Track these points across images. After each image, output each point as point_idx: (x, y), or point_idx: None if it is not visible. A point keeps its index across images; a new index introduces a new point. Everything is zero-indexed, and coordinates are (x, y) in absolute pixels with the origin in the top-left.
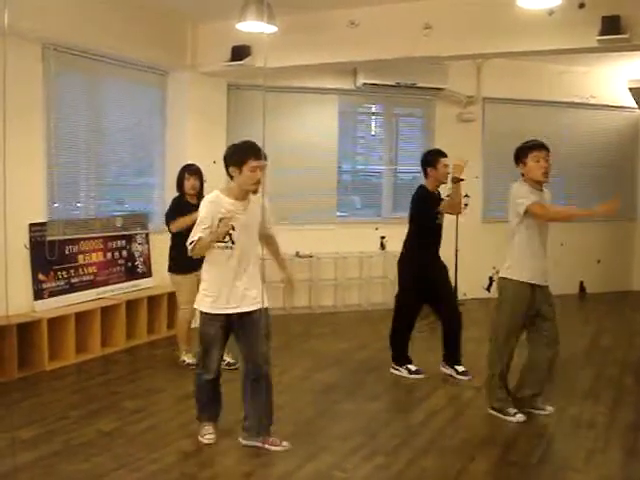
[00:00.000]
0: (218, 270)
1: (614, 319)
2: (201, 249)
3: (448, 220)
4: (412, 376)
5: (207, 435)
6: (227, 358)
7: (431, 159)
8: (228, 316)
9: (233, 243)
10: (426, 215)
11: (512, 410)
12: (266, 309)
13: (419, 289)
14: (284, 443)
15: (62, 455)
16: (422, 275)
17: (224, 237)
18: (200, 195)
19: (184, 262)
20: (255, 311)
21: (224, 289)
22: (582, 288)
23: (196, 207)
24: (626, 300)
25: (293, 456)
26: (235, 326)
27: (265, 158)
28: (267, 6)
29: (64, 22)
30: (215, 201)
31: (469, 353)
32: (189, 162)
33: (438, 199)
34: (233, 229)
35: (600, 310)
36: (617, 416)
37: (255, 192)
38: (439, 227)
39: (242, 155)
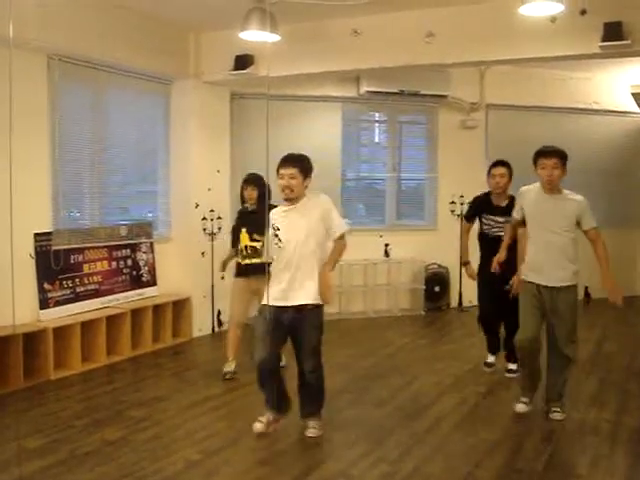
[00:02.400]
0: None
1: (619, 325)
2: None
3: (452, 227)
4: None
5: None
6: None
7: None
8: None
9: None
10: None
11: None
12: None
13: None
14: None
15: (68, 464)
16: None
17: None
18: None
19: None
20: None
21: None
22: (587, 294)
23: (255, 214)
24: (631, 306)
25: (299, 463)
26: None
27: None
28: (270, 15)
29: (69, 33)
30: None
31: (476, 360)
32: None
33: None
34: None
35: (605, 316)
36: (622, 422)
37: (286, 199)
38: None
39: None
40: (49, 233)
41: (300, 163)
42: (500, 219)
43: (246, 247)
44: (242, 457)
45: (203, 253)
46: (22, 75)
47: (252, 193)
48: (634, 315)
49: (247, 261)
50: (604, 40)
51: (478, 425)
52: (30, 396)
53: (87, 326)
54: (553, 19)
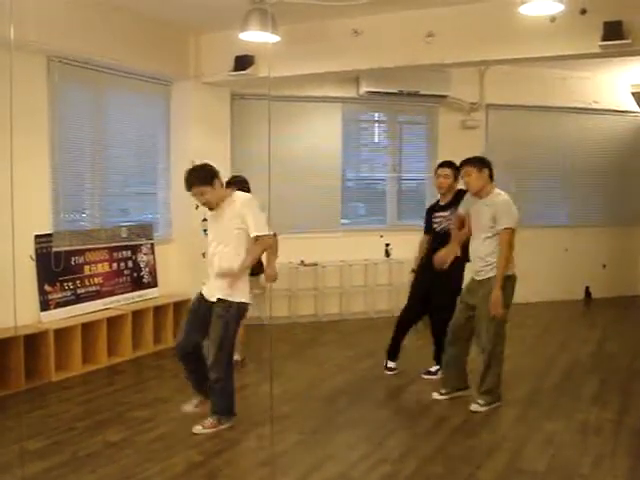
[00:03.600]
0: None
1: (620, 324)
2: None
3: None
4: None
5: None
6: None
7: None
8: None
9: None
10: None
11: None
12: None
13: None
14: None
15: (70, 466)
16: None
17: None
18: None
19: None
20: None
21: None
22: (588, 293)
23: None
24: (632, 305)
25: (300, 465)
26: None
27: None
28: (270, 16)
29: (69, 34)
30: None
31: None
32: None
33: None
34: None
35: (606, 315)
36: (624, 422)
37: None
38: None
39: None
40: (50, 235)
41: (200, 178)
42: (446, 213)
43: None
44: (244, 458)
45: (204, 254)
46: (22, 77)
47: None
48: (635, 314)
49: None
50: (604, 39)
51: (479, 426)
52: (31, 398)
53: (88, 328)
54: (553, 18)
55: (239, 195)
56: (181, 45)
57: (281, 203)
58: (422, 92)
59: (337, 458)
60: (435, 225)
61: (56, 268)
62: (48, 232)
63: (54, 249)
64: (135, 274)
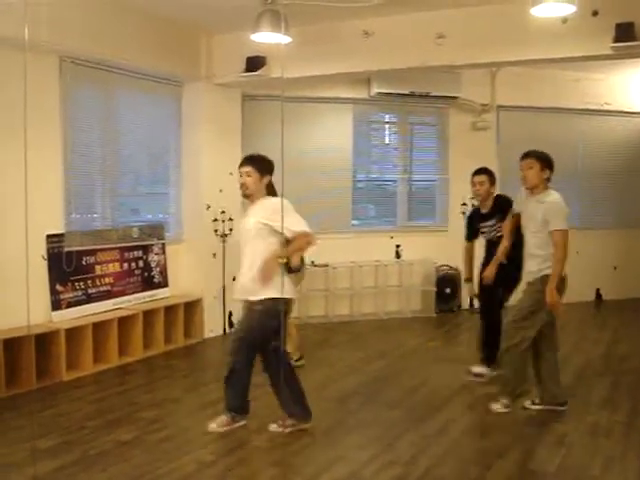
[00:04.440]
0: None
1: (631, 326)
2: None
3: (463, 228)
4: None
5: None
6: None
7: None
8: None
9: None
10: None
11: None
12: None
13: None
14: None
15: (80, 465)
16: None
17: None
18: None
19: None
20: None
21: None
22: (598, 295)
23: None
24: None
25: (311, 465)
26: None
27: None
28: (281, 17)
29: (81, 35)
30: None
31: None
32: None
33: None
34: None
35: (617, 317)
36: (635, 424)
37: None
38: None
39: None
40: (61, 235)
41: (257, 162)
42: (490, 222)
43: None
44: (254, 458)
45: (214, 254)
46: (34, 77)
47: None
48: None
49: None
50: (616, 41)
51: (490, 427)
52: (43, 397)
53: (99, 327)
54: (564, 20)
55: (272, 199)
56: (193, 46)
57: (291, 203)
58: (433, 93)
59: (348, 459)
60: (483, 235)
61: (68, 268)
62: (60, 232)
63: (66, 249)
64: (146, 274)
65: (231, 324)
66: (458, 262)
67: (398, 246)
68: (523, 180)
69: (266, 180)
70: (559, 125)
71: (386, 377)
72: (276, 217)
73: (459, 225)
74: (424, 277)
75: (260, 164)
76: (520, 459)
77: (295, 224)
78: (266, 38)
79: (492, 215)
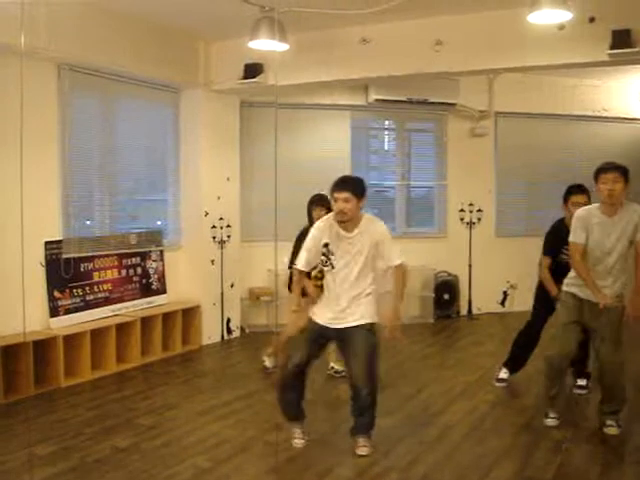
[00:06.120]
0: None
1: (628, 333)
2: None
3: (461, 235)
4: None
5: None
6: (336, 365)
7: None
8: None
9: (333, 267)
10: None
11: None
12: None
13: None
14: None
15: (78, 472)
16: None
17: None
18: None
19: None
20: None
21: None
22: None
23: None
24: None
25: (309, 471)
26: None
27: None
28: (279, 24)
29: (79, 42)
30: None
31: (486, 368)
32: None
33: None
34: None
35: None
36: (633, 431)
37: (340, 221)
38: None
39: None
40: (59, 241)
41: (357, 187)
42: None
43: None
44: (252, 464)
45: (213, 261)
46: (32, 84)
47: (321, 213)
48: None
49: (320, 283)
50: (613, 48)
51: (487, 434)
52: (40, 403)
53: (97, 334)
54: (561, 27)
55: (374, 220)
56: (191, 53)
57: (289, 210)
58: (431, 100)
59: (344, 466)
60: (564, 257)
61: (66, 274)
62: (58, 239)
63: (64, 255)
64: (144, 281)
65: (229, 331)
66: (456, 268)
67: None
68: (608, 196)
69: (362, 203)
70: (556, 131)
71: (383, 384)
72: (388, 244)
73: (457, 231)
74: (422, 283)
75: (357, 188)
76: (518, 465)
77: (398, 254)
78: (264, 45)
79: None
